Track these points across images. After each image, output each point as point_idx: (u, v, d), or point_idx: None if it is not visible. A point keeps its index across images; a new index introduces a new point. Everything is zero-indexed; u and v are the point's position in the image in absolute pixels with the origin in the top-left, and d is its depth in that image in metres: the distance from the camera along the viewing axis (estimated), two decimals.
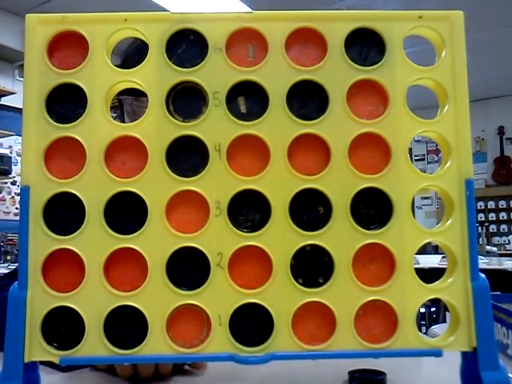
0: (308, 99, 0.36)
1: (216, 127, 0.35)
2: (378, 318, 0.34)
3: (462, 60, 0.36)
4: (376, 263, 0.35)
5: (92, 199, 0.35)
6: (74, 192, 0.35)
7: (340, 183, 0.35)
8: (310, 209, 0.35)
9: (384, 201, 0.35)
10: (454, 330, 0.35)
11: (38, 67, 0.36)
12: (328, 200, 0.35)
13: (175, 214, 0.35)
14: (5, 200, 4.23)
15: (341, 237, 0.35)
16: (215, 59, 0.36)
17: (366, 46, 0.36)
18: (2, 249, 3.79)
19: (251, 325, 0.34)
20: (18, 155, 4.32)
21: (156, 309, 0.34)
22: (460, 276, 0.35)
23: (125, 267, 0.35)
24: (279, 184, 0.35)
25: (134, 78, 0.36)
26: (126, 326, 0.34)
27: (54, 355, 0.33)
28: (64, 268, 0.35)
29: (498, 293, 0.84)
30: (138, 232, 0.34)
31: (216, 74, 0.35)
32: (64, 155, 0.35)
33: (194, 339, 0.34)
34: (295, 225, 0.35)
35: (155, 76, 0.36)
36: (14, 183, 4.30)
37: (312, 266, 0.35)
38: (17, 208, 4.29)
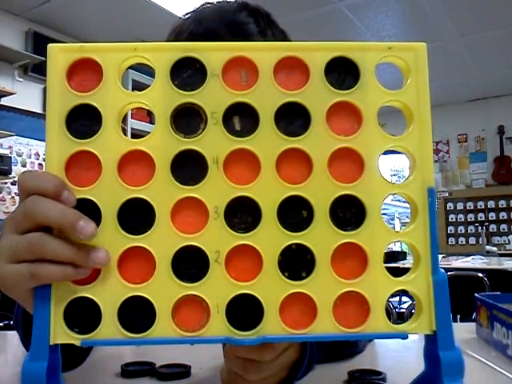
0: (293, 118, 0.41)
1: (214, 142, 0.40)
2: (352, 307, 0.40)
3: (425, 85, 0.41)
4: (351, 259, 0.40)
5: (107, 204, 0.40)
6: (91, 198, 0.40)
7: (321, 191, 0.40)
8: (295, 213, 0.41)
9: (358, 206, 0.40)
10: (417, 316, 0.40)
11: (59, 90, 0.41)
12: (310, 205, 0.40)
13: (179, 217, 0.40)
14: (5, 200, 4.22)
15: (321, 237, 0.40)
16: (213, 84, 0.41)
17: (342, 72, 0.41)
18: None
19: (244, 312, 0.39)
20: (18, 155, 4.32)
21: (162, 299, 0.39)
22: (423, 271, 0.40)
23: (135, 263, 0.40)
24: (268, 191, 0.40)
25: (142, 99, 0.41)
26: (136, 313, 0.39)
27: (76, 338, 0.38)
28: None
29: (498, 293, 0.87)
30: (147, 233, 0.40)
31: (214, 97, 0.41)
32: (82, 166, 0.40)
33: (196, 324, 0.39)
34: (282, 226, 0.40)
35: (161, 98, 0.41)
36: (14, 183, 4.29)
37: (297, 262, 0.40)
38: None
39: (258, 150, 0.41)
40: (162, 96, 0.41)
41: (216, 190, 0.40)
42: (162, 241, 0.40)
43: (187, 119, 0.41)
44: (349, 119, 0.41)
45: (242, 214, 0.41)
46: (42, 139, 4.45)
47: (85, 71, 0.41)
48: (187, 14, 0.71)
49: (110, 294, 0.39)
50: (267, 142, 0.41)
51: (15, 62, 4.18)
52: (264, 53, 0.41)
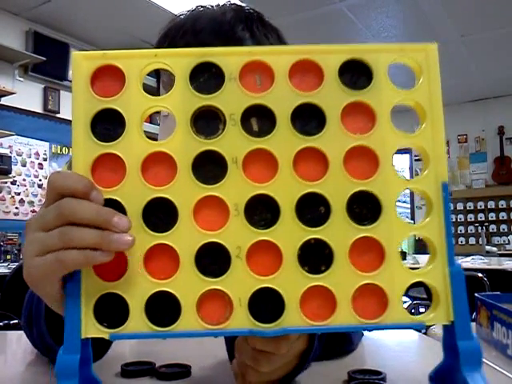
0: (309, 119, 0.43)
1: (233, 143, 0.42)
2: (371, 299, 0.41)
3: (437, 85, 0.42)
4: (369, 253, 0.42)
5: (132, 204, 0.41)
6: (116, 198, 0.41)
7: (337, 187, 0.42)
8: (313, 209, 0.42)
9: (374, 201, 0.42)
10: (435, 307, 0.41)
11: (84, 95, 0.42)
12: (327, 201, 0.42)
13: (201, 216, 0.42)
14: (5, 200, 4.22)
15: (339, 231, 0.41)
16: (231, 87, 0.42)
17: (356, 73, 0.43)
18: (2, 248, 3.79)
19: (266, 305, 0.41)
20: (18, 155, 4.33)
21: (187, 293, 0.40)
22: (439, 262, 0.41)
23: (160, 260, 0.41)
24: (286, 189, 0.42)
25: (163, 103, 0.43)
26: (162, 308, 0.41)
27: (105, 332, 0.40)
28: (110, 261, 0.41)
29: (498, 293, 0.86)
30: (171, 231, 0.41)
31: (232, 99, 0.42)
32: (107, 168, 0.42)
33: (220, 318, 0.41)
34: (301, 222, 0.41)
35: (181, 102, 0.42)
36: (13, 183, 4.29)
37: (316, 256, 0.42)
38: (16, 208, 4.28)
39: (276, 149, 0.42)
40: (182, 100, 0.42)
41: (236, 189, 0.42)
42: (186, 238, 0.41)
43: (207, 121, 0.43)
44: (363, 118, 0.43)
45: (262, 211, 0.42)
46: (41, 139, 4.47)
47: (108, 77, 0.43)
48: (180, 15, 0.71)
49: (137, 289, 0.41)
50: (284, 141, 0.42)
51: (15, 62, 4.21)
52: (280, 56, 0.43)
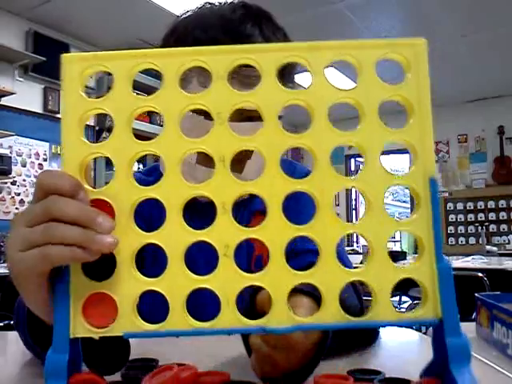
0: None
1: (220, 142, 0.42)
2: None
3: (425, 80, 0.42)
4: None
5: (121, 203, 0.41)
6: (105, 199, 0.41)
7: (325, 185, 0.42)
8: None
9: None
10: (423, 304, 0.41)
11: (74, 96, 0.42)
12: (316, 198, 0.42)
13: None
14: (5, 200, 4.22)
15: (327, 229, 0.41)
16: (218, 86, 0.42)
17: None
18: (2, 248, 3.79)
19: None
20: (18, 155, 4.33)
21: (175, 293, 0.41)
22: (427, 259, 0.41)
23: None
24: (273, 188, 0.42)
25: (152, 103, 0.42)
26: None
27: (94, 332, 0.40)
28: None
29: (498, 293, 0.86)
30: (160, 229, 0.41)
31: (219, 98, 0.42)
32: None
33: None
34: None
35: (170, 101, 0.42)
36: (13, 183, 4.28)
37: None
38: (17, 208, 4.27)
39: (263, 146, 0.42)
40: (171, 99, 0.42)
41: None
42: (174, 235, 0.41)
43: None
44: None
45: None
46: (41, 139, 4.47)
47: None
48: (186, 12, 0.71)
49: (126, 289, 0.41)
50: (271, 139, 0.42)
51: (15, 62, 4.21)
52: (267, 55, 0.42)
